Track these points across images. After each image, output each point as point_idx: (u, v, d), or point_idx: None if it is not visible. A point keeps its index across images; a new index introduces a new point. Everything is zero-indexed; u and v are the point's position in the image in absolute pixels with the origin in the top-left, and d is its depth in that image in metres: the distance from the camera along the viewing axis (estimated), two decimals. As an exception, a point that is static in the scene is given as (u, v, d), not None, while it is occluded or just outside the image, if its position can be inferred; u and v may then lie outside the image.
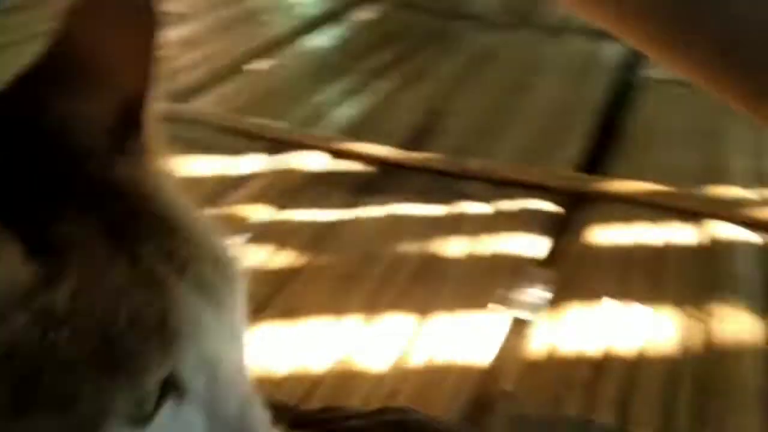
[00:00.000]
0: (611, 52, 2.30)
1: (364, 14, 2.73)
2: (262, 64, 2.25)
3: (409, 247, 1.38)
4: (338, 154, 1.72)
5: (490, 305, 1.21)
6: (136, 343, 0.32)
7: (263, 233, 1.39)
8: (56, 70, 0.39)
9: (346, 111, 1.98)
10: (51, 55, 0.40)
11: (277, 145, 1.74)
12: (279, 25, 2.61)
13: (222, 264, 0.38)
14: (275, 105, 2.00)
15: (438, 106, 2.00)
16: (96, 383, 0.32)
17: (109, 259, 0.33)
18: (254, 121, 1.85)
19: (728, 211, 1.51)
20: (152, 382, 0.34)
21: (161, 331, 0.33)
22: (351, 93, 2.08)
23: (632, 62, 2.23)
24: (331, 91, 2.09)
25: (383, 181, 1.63)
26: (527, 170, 1.64)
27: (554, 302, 1.23)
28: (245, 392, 0.38)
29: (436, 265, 1.32)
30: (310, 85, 2.13)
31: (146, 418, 0.33)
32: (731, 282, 1.32)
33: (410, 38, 2.50)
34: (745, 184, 1.64)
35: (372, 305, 1.21)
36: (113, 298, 0.32)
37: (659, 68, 1.33)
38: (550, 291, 1.25)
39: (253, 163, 1.67)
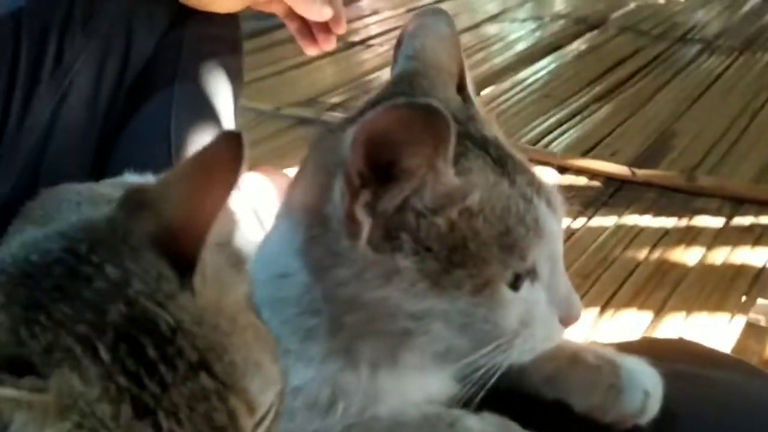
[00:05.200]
0: None
1: (584, 43, 2.82)
2: (492, 90, 2.42)
3: (641, 254, 1.46)
4: (565, 169, 1.83)
5: (725, 310, 1.26)
6: (521, 232, 0.48)
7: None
8: None
9: (573, 132, 2.09)
10: None
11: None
12: (501, 57, 2.77)
13: (555, 193, 0.53)
14: (506, 126, 2.15)
15: (667, 127, 2.05)
16: (497, 255, 0.49)
17: (497, 180, 0.49)
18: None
19: None
20: (529, 261, 0.49)
21: (535, 228, 0.49)
22: (576, 116, 2.19)
23: None
24: (557, 114, 2.21)
25: (611, 195, 1.72)
26: (760, 188, 1.66)
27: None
28: (568, 283, 0.53)
29: (669, 270, 1.40)
30: (536, 109, 2.26)
31: (515, 288, 0.49)
32: None
33: (635, 63, 2.56)
34: None
35: (606, 302, 1.31)
36: (506, 204, 0.48)
37: None
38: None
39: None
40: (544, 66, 2.66)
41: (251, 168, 1.03)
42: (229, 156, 0.42)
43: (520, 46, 2.88)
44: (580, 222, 1.61)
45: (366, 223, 0.48)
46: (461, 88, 0.60)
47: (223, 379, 0.38)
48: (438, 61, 0.59)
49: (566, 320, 0.53)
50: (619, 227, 1.58)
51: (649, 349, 0.61)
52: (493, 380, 0.51)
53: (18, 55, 0.97)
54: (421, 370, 0.53)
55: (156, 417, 0.36)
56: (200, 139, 1.03)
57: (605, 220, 1.61)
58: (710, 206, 1.61)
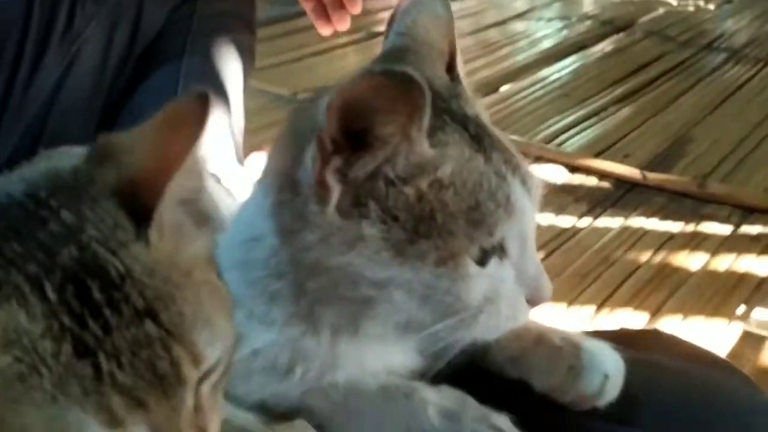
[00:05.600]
0: None
1: (609, 45, 2.80)
2: (512, 87, 2.41)
3: (644, 256, 1.45)
4: (576, 169, 1.82)
5: (722, 317, 1.25)
6: (491, 208, 0.48)
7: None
8: None
9: (588, 132, 2.08)
10: None
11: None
12: (525, 54, 2.76)
13: (531, 175, 0.53)
14: (522, 123, 2.14)
15: (684, 132, 2.03)
16: (464, 228, 0.49)
17: (472, 155, 0.49)
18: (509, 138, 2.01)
19: None
20: (497, 237, 0.49)
21: (506, 205, 0.49)
22: (593, 116, 2.17)
23: None
24: (574, 113, 2.20)
25: (621, 196, 1.71)
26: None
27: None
28: (539, 264, 0.53)
29: (671, 274, 1.39)
30: (553, 107, 2.25)
31: (482, 264, 0.50)
32: None
33: (658, 68, 2.53)
34: None
35: (604, 301, 1.30)
36: (478, 180, 0.48)
37: None
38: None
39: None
40: (567, 65, 2.64)
41: (262, 148, 1.04)
42: (195, 113, 0.42)
43: (545, 45, 2.86)
44: (586, 222, 1.60)
45: (335, 189, 0.48)
46: (451, 68, 0.60)
47: (168, 328, 0.39)
48: (429, 39, 0.59)
49: (534, 300, 0.53)
50: (624, 229, 1.56)
51: (623, 337, 0.61)
52: (454, 353, 0.51)
53: (29, 20, 0.99)
54: (383, 340, 0.53)
55: (96, 358, 0.37)
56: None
57: (611, 221, 1.60)
58: (720, 213, 1.59)
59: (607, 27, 2.97)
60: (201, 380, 0.42)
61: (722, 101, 2.26)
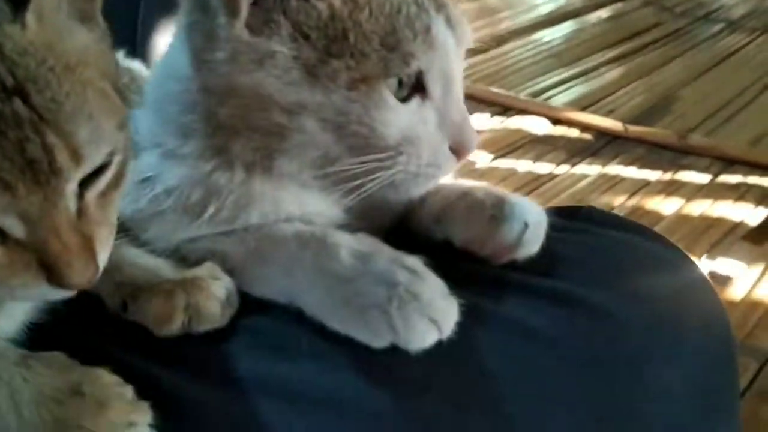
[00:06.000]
0: None
1: (606, 12, 2.78)
2: (507, 47, 2.39)
3: (618, 200, 1.43)
4: (558, 121, 1.80)
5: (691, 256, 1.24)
6: (408, 35, 0.47)
7: (486, 174, 1.51)
8: None
9: (575, 90, 2.06)
10: None
11: (507, 110, 1.88)
12: (523, 17, 2.74)
13: (460, 20, 0.51)
14: (509, 79, 2.12)
15: (671, 93, 2.01)
16: (379, 52, 0.47)
17: None
18: (494, 90, 1.98)
19: None
20: (413, 67, 0.47)
21: (424, 36, 0.48)
22: (582, 76, 2.15)
23: None
24: (563, 73, 2.18)
25: (600, 147, 1.69)
26: (753, 150, 1.62)
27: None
28: (465, 112, 0.51)
29: (643, 216, 1.37)
30: (542, 66, 2.23)
31: (403, 99, 0.48)
32: None
33: (652, 35, 2.51)
34: None
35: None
36: (395, 4, 0.47)
37: None
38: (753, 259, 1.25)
39: (487, 122, 1.81)
40: (562, 30, 2.62)
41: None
42: None
43: (544, 10, 2.84)
44: (563, 169, 1.58)
45: (245, 0, 0.46)
46: None
47: (40, 111, 0.37)
48: None
49: (458, 149, 0.51)
50: (601, 176, 1.55)
51: (561, 211, 0.60)
52: (371, 190, 0.49)
53: None
54: (300, 183, 0.51)
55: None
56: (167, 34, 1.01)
57: (588, 169, 1.58)
58: (699, 164, 1.58)
59: (605, -6, 2.94)
60: (85, 184, 0.40)
61: (714, 65, 2.23)
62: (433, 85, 0.50)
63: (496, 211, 0.51)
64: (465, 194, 0.54)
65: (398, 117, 0.49)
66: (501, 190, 0.53)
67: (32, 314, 0.48)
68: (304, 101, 0.47)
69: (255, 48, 0.46)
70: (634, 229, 0.59)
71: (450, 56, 0.50)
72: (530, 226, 0.51)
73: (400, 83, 0.49)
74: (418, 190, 0.53)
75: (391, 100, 0.48)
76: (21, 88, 0.37)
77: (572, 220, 0.58)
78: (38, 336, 0.48)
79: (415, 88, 0.50)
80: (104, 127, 0.40)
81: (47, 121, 0.37)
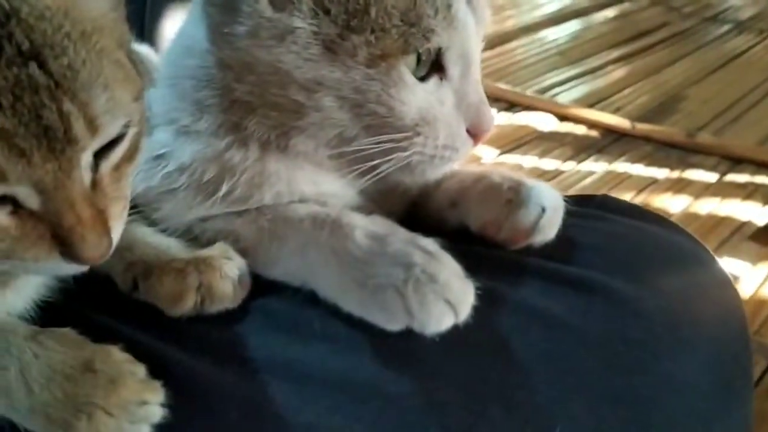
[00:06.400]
0: None
1: (612, 12, 2.77)
2: (513, 45, 2.38)
3: (625, 198, 1.42)
4: (564, 118, 1.80)
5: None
6: (428, 11, 0.46)
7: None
8: None
9: (582, 88, 2.05)
10: None
11: (513, 105, 1.87)
12: (529, 15, 2.73)
13: (481, 1, 0.50)
14: (516, 75, 2.11)
15: (678, 92, 2.00)
16: (400, 27, 0.45)
17: None
18: (499, 86, 1.97)
19: None
20: (433, 43, 0.47)
21: (446, 13, 0.47)
22: (588, 74, 2.14)
23: None
24: (570, 71, 2.17)
25: (607, 145, 1.68)
26: (762, 149, 1.61)
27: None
28: (482, 94, 0.50)
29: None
30: (548, 64, 2.22)
31: (421, 78, 0.47)
32: None
33: (659, 35, 2.50)
34: None
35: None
36: None
37: None
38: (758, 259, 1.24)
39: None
40: (569, 28, 2.61)
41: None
42: None
43: (550, 8, 2.83)
44: (569, 165, 1.57)
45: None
46: None
47: (57, 78, 0.37)
48: None
49: (475, 131, 0.50)
50: (607, 173, 1.54)
51: (577, 199, 0.59)
52: (386, 172, 0.48)
53: None
54: (315, 163, 0.51)
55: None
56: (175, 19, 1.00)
57: (595, 166, 1.57)
58: (707, 163, 1.57)
59: (612, -6, 2.93)
60: (99, 156, 0.40)
61: (721, 66, 2.22)
62: (452, 65, 0.49)
63: (513, 195, 0.50)
64: (481, 177, 0.53)
65: (416, 96, 0.48)
66: (518, 174, 0.53)
67: (42, 291, 0.48)
68: (323, 78, 0.46)
69: (276, 24, 0.45)
70: (653, 219, 0.59)
71: (470, 36, 0.50)
72: (547, 210, 0.50)
73: (419, 62, 0.48)
74: (433, 174, 0.52)
75: (410, 79, 0.47)
76: (37, 52, 0.36)
77: (587, 208, 0.57)
78: (48, 315, 0.47)
79: (434, 67, 0.49)
80: (120, 97, 0.39)
81: (63, 88, 0.37)
